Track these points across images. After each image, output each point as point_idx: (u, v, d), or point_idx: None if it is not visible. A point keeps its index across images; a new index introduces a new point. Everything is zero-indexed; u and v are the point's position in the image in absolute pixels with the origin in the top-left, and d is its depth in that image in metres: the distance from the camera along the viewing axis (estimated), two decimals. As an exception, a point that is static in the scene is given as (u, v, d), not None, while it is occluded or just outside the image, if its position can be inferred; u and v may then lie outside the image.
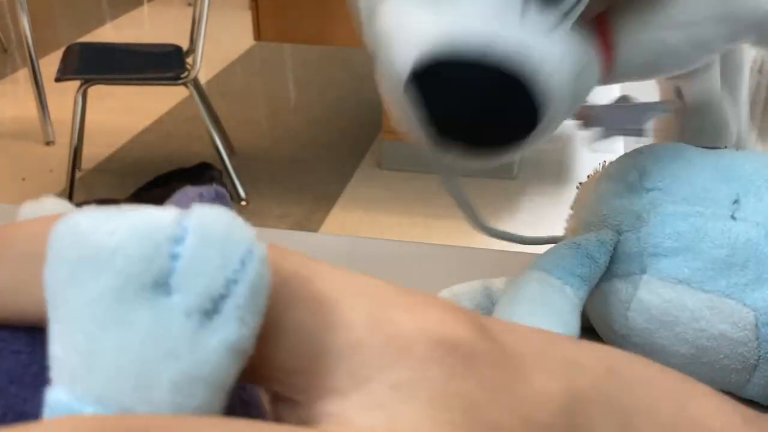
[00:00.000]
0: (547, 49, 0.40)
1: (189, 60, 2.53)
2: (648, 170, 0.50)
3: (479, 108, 0.41)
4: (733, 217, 0.47)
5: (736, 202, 0.48)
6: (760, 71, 3.04)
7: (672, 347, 0.48)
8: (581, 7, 0.40)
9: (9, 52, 3.46)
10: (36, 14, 2.83)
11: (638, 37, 0.47)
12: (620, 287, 0.49)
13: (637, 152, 0.52)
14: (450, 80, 0.40)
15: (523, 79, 0.39)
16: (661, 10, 0.47)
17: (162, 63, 2.53)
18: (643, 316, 0.48)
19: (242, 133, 2.79)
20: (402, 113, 0.43)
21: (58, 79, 2.43)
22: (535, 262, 0.49)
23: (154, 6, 4.59)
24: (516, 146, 0.43)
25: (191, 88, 2.44)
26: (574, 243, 0.49)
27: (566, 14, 0.40)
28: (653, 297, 0.48)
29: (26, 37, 2.70)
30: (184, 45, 2.59)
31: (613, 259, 0.49)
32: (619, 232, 0.50)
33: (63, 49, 2.62)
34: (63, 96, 3.10)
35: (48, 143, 2.85)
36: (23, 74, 3.20)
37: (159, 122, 3.03)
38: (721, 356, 0.47)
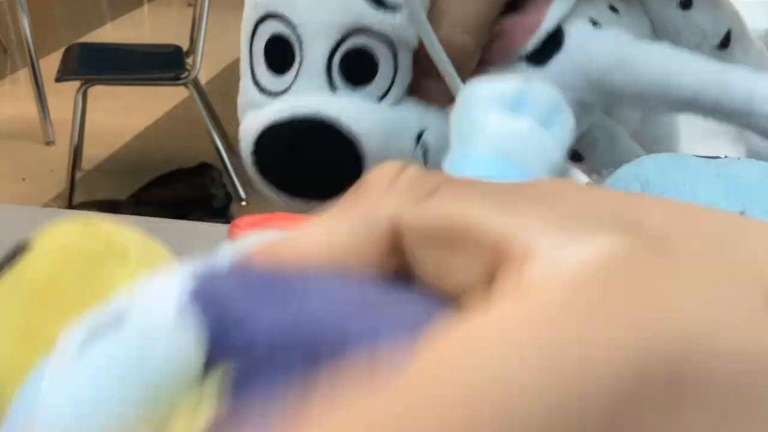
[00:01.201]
0: (359, 117, 0.49)
1: (189, 60, 2.53)
2: (650, 182, 0.49)
3: (310, 164, 0.50)
4: None
5: (742, 213, 0.47)
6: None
7: None
8: (395, 92, 0.50)
9: (9, 52, 3.46)
10: (36, 14, 2.83)
11: None
12: None
13: (638, 164, 0.51)
14: (282, 145, 0.50)
15: (341, 138, 0.48)
16: None
17: (162, 63, 2.53)
18: None
19: (242, 133, 2.79)
20: (254, 173, 0.53)
21: (58, 80, 2.44)
22: None
23: (154, 6, 4.59)
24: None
25: (191, 88, 2.45)
26: None
27: (382, 96, 0.49)
28: None
29: (26, 37, 2.70)
30: (185, 45, 2.60)
31: None
32: None
33: (63, 49, 2.62)
34: (63, 96, 3.10)
35: (48, 143, 2.85)
36: (23, 74, 3.21)
37: (159, 122, 3.03)
38: None
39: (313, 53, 0.49)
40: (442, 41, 0.48)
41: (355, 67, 0.49)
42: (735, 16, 0.63)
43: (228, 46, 3.83)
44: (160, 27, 4.23)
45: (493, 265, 0.16)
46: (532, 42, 0.53)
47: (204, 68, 2.56)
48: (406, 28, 0.48)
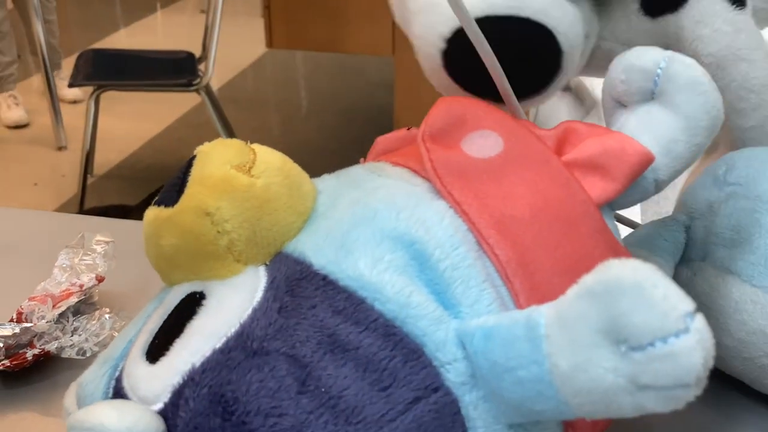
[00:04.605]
0: (563, 12, 0.50)
1: (201, 67, 2.54)
2: (735, 166, 0.51)
3: (510, 59, 0.48)
4: None
5: None
6: None
7: (717, 337, 0.48)
8: None
9: (22, 58, 3.48)
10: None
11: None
12: (681, 271, 0.51)
13: (738, 150, 0.53)
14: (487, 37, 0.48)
15: (546, 33, 0.49)
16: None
17: (174, 69, 2.54)
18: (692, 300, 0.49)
19: (253, 139, 2.78)
20: (438, 78, 0.51)
21: (71, 85, 2.45)
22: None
23: (168, 13, 4.61)
24: (540, 93, 0.52)
25: (203, 94, 2.45)
26: (656, 223, 0.51)
27: None
28: (703, 283, 0.49)
29: (40, 42, 2.71)
30: (197, 52, 2.61)
31: None
32: (691, 218, 0.51)
33: (76, 55, 2.64)
34: (76, 102, 3.12)
35: (60, 149, 2.86)
36: (36, 80, 3.23)
37: (171, 128, 3.04)
38: (761, 354, 0.47)
39: None
40: None
41: None
42: None
43: (240, 52, 3.84)
44: (173, 33, 4.25)
45: None
46: None
47: (216, 75, 2.57)
48: None
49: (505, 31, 0.49)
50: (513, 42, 0.49)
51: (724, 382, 0.50)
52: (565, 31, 0.49)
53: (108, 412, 0.29)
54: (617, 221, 0.63)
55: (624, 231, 0.66)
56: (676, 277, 0.51)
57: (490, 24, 0.48)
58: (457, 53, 0.49)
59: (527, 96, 0.51)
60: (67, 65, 2.66)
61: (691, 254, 0.51)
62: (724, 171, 0.51)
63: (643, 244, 0.50)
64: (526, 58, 0.50)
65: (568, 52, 0.50)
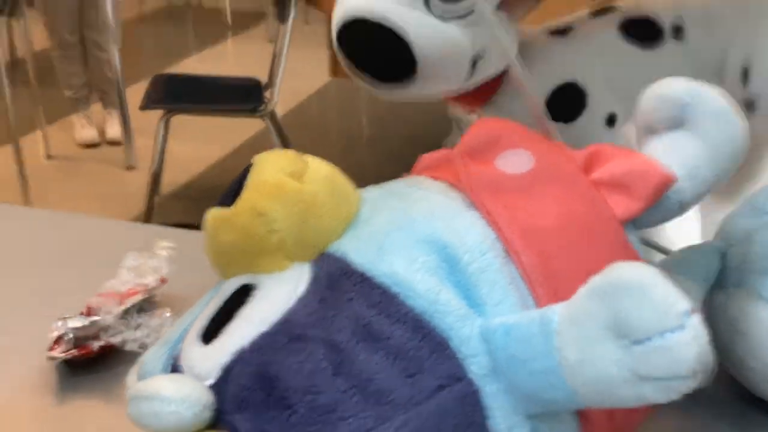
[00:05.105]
0: (424, 23, 0.65)
1: (267, 93, 2.61)
2: None
3: (374, 54, 0.66)
4: None
5: None
6: None
7: (745, 359, 0.50)
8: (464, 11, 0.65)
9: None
10: (124, 45, 2.96)
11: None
12: (716, 295, 0.52)
13: None
14: (356, 34, 0.66)
15: (399, 35, 0.64)
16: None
17: (241, 95, 2.61)
18: (723, 323, 0.50)
19: (315, 165, 2.82)
20: (340, 57, 0.70)
21: (142, 108, 2.53)
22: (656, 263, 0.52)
23: (237, 41, 4.74)
24: (403, 86, 0.68)
25: (268, 120, 2.52)
26: (692, 248, 0.53)
27: (459, 16, 0.65)
28: (736, 309, 0.50)
29: (115, 67, 2.82)
30: (264, 79, 2.68)
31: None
32: (728, 245, 0.53)
33: (149, 78, 2.73)
34: (147, 124, 3.22)
35: (129, 168, 2.96)
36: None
37: (236, 152, 3.12)
38: None
39: None
40: None
41: None
42: None
43: (304, 81, 3.90)
44: (241, 61, 4.36)
45: None
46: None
47: (281, 102, 2.63)
48: None
49: (360, 32, 0.65)
50: (367, 41, 0.66)
51: (752, 404, 0.51)
52: (415, 32, 0.64)
53: (166, 384, 0.32)
54: (647, 246, 0.65)
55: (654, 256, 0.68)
56: (711, 302, 0.52)
57: (356, 25, 0.65)
58: (344, 40, 0.67)
59: (389, 82, 0.68)
60: (141, 88, 2.76)
61: (727, 280, 0.52)
62: (763, 200, 0.53)
63: (677, 268, 0.51)
64: (379, 54, 0.66)
65: (420, 46, 0.64)
